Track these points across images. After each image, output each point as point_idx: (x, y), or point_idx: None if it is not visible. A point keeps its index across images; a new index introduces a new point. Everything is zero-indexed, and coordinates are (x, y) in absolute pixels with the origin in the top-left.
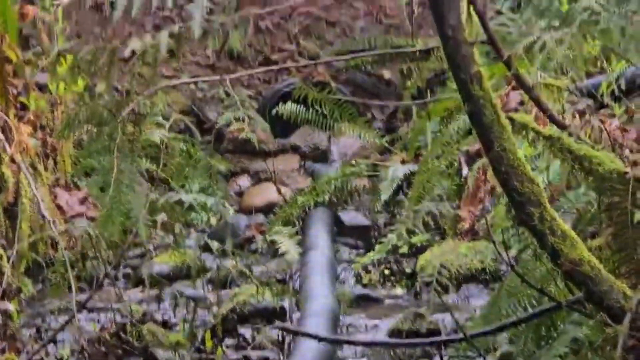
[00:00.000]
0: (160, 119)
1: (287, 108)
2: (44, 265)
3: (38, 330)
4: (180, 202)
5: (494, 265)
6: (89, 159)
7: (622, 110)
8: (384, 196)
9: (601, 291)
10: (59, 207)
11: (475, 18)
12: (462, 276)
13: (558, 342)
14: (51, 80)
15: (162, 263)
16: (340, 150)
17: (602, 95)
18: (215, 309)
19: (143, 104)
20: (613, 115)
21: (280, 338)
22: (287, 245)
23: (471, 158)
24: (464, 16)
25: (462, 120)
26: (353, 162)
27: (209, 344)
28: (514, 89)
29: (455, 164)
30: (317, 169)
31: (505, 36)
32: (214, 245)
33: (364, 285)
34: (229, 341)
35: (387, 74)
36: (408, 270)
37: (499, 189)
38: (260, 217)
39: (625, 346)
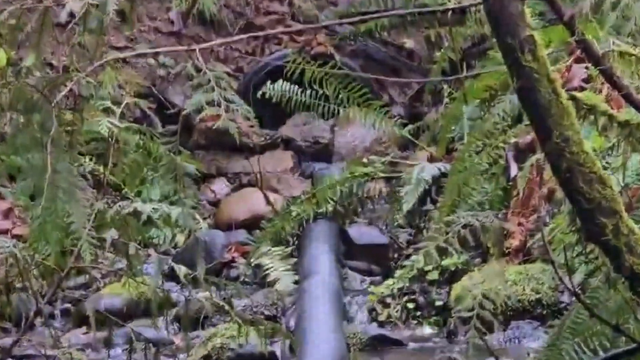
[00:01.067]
0: (108, 103)
1: (277, 89)
2: None
3: None
4: (136, 214)
5: (553, 295)
6: (13, 157)
7: None
8: (407, 205)
9: None
10: None
11: None
12: (510, 310)
13: None
14: None
15: (112, 295)
16: (348, 144)
17: None
18: (183, 356)
19: (85, 83)
20: None
21: None
22: (279, 270)
23: (522, 153)
24: None
25: (510, 103)
26: (365, 159)
27: None
28: (578, 60)
29: (501, 161)
30: (318, 170)
31: None
32: (182, 271)
33: (381, 324)
34: None
35: (409, 42)
36: (439, 302)
37: (559, 194)
38: (242, 234)
39: None
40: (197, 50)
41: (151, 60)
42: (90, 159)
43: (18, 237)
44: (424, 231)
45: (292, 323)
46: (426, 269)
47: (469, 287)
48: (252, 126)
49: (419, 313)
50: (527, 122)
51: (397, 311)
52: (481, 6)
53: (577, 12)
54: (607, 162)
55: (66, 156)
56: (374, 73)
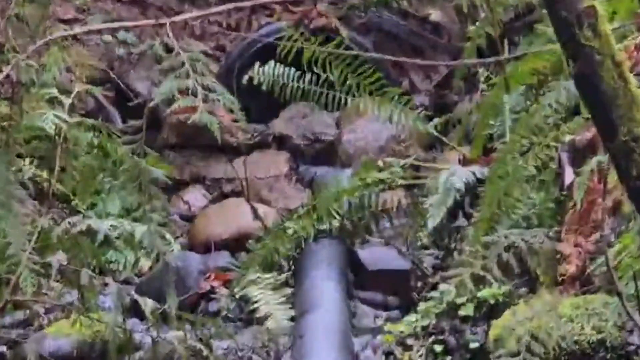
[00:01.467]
0: (54, 92)
1: (268, 73)
2: None
3: None
4: (89, 233)
5: (620, 335)
6: None
7: None
8: (433, 220)
9: None
10: None
11: None
12: (566, 354)
13: None
14: None
15: (59, 336)
16: (358, 143)
17: None
18: None
19: (25, 67)
20: None
21: None
22: (270, 304)
23: (579, 154)
24: None
25: (564, 90)
26: (379, 162)
27: None
28: None
29: (553, 165)
30: (320, 175)
31: None
32: (147, 305)
33: None
34: None
35: (435, 14)
36: (474, 344)
37: (627, 206)
38: (224, 257)
39: None
40: (167, 25)
41: (108, 37)
42: (32, 162)
43: None
44: (455, 254)
45: None
46: (458, 301)
47: (512, 325)
48: (236, 120)
49: (449, 358)
50: (586, 115)
51: (420, 355)
52: None
53: None
54: None
55: (2, 159)
56: (390, 53)
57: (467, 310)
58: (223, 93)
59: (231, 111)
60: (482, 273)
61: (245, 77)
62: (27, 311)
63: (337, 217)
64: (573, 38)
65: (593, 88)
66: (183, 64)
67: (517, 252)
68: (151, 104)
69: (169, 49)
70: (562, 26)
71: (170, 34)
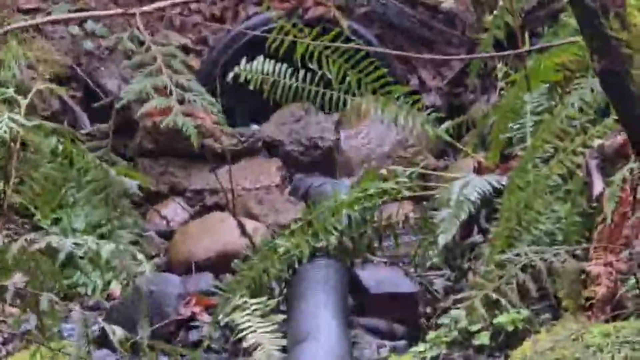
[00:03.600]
0: (10, 91)
1: (257, 69)
2: None
3: None
4: (51, 252)
5: None
6: None
7: None
8: (444, 237)
9: None
10: None
11: None
12: None
13: None
14: None
15: None
16: (359, 149)
17: None
18: None
19: None
20: None
21: None
22: (259, 332)
23: (609, 161)
24: None
25: (592, 89)
26: (383, 171)
27: None
28: None
29: (579, 173)
30: (316, 186)
31: None
32: (117, 335)
33: None
34: None
35: (447, 2)
36: None
37: None
38: (206, 279)
39: None
40: (138, 15)
41: (75, 29)
42: None
43: None
44: (469, 275)
45: None
46: (472, 329)
47: (532, 355)
48: (218, 123)
49: None
50: (617, 118)
51: None
52: None
53: None
54: None
55: None
56: (396, 46)
57: (482, 339)
58: (201, 92)
59: (214, 113)
60: (498, 297)
61: (231, 75)
62: None
63: (336, 233)
64: (597, 29)
65: (621, 87)
66: (156, 59)
67: (537, 272)
68: (120, 104)
69: (141, 42)
70: (585, 15)
71: (140, 25)
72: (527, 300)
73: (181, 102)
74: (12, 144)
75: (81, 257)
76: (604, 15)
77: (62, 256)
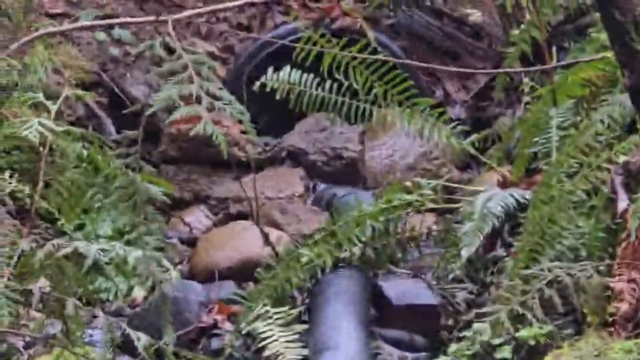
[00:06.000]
0: (39, 97)
1: (283, 79)
2: None
3: None
4: (76, 257)
5: None
6: None
7: None
8: (468, 250)
9: None
10: None
11: None
12: None
13: None
14: None
15: None
16: (383, 160)
17: None
18: None
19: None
20: None
21: None
22: (280, 342)
23: (633, 178)
24: None
25: (619, 105)
26: (408, 183)
27: None
28: None
29: (604, 189)
30: (340, 197)
31: None
32: (141, 341)
33: None
34: None
35: (475, 14)
36: None
37: None
38: (228, 288)
39: None
40: (170, 22)
41: (102, 35)
42: (12, 176)
43: None
44: (492, 288)
45: None
46: (494, 342)
47: None
48: (245, 132)
49: None
50: None
51: None
52: None
53: None
54: None
55: None
56: (422, 58)
57: (504, 353)
58: (231, 101)
59: (239, 122)
60: (521, 311)
61: (257, 84)
62: (4, 345)
63: (359, 244)
64: (628, 45)
65: None
66: (185, 66)
67: (561, 287)
68: (148, 112)
69: (169, 50)
70: (617, 31)
71: (172, 33)
72: (550, 315)
73: (209, 110)
74: (41, 149)
75: (107, 263)
76: (635, 31)
77: (88, 262)
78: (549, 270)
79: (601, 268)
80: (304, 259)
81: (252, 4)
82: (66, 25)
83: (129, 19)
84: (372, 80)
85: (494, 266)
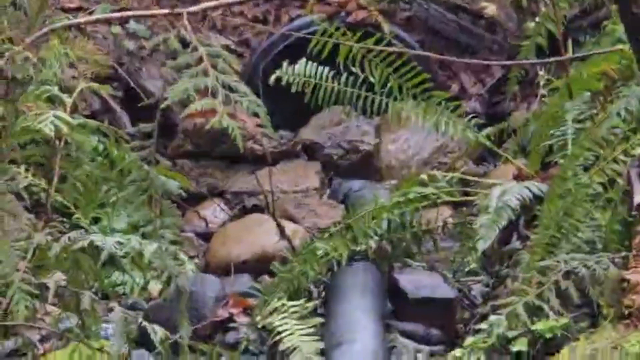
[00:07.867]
0: (55, 90)
1: (299, 72)
2: None
3: None
4: (92, 251)
5: None
6: None
7: None
8: (483, 243)
9: None
10: None
11: None
12: None
13: None
14: None
15: None
16: (399, 154)
17: None
18: None
19: (22, 61)
20: None
21: None
22: (297, 335)
23: None
24: None
25: (635, 98)
26: (424, 176)
27: None
28: None
29: (621, 182)
30: (355, 190)
31: None
32: (157, 334)
33: None
34: None
35: (490, 7)
36: None
37: None
38: (244, 281)
39: None
40: (185, 15)
41: (117, 29)
42: (27, 170)
43: None
44: (508, 281)
45: None
46: (510, 335)
47: None
48: (261, 125)
49: None
50: None
51: None
52: None
53: None
54: None
55: None
56: (437, 51)
57: (520, 345)
58: (247, 95)
59: (255, 115)
60: (537, 303)
61: (273, 77)
62: (20, 339)
63: (375, 237)
64: None
65: None
66: (200, 60)
67: (577, 280)
68: (163, 105)
69: (184, 43)
70: (633, 24)
71: (188, 26)
72: (566, 308)
73: (226, 103)
74: (56, 142)
75: (123, 257)
76: None
77: (104, 255)
78: (565, 262)
79: (617, 260)
80: (320, 253)
81: None
82: (81, 19)
83: (144, 12)
84: (388, 73)
85: (509, 259)
